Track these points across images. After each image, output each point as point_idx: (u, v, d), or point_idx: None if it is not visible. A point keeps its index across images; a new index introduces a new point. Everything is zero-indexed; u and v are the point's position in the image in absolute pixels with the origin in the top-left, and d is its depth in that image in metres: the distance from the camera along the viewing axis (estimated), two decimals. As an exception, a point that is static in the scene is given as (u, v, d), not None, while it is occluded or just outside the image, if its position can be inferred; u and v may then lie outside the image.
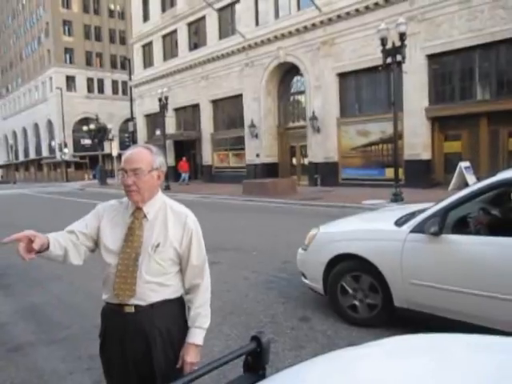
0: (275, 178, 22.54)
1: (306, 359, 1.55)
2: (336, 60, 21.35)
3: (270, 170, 25.01)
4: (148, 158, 1.96)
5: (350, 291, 4.39)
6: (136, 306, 1.94)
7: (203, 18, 29.53)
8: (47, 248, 1.83)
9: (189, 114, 32.26)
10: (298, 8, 23.18)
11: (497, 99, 16.64)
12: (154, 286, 1.95)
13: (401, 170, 17.07)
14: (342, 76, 21.58)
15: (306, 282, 4.89)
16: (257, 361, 1.61)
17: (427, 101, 18.35)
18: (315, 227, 4.97)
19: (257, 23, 25.56)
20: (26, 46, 62.95)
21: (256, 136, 25.72)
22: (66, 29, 55.40)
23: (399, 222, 4.23)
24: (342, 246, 4.43)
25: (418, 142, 18.55)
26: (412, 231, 3.94)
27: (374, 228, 4.56)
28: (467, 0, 16.74)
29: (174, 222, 1.99)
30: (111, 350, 2.01)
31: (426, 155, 18.59)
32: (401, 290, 4.01)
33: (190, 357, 1.99)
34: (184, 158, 29.72)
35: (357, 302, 4.36)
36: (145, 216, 1.98)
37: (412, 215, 4.26)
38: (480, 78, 17.27)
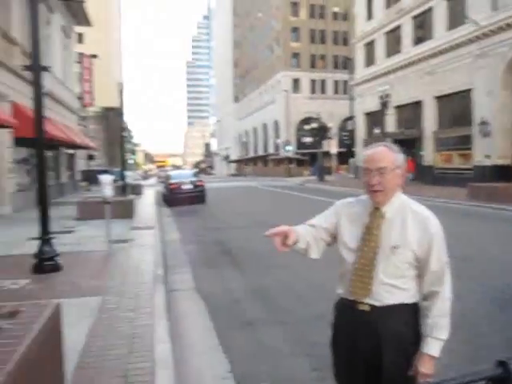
0: (508, 183, 19.82)
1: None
2: None
3: (503, 174, 22.05)
4: (391, 157, 1.94)
5: None
6: (371, 306, 1.94)
7: (430, 9, 27.85)
8: (295, 242, 2.00)
9: (410, 111, 30.89)
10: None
11: None
12: (390, 287, 1.93)
13: None
14: None
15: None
16: (500, 389, 1.45)
17: None
18: None
19: (494, 8, 22.78)
20: (260, 55, 70.02)
21: (487, 135, 23.04)
22: (294, 35, 59.46)
23: None
24: None
25: None
26: None
27: None
28: None
29: (413, 223, 1.92)
30: (342, 344, 2.05)
31: None
32: None
33: (425, 368, 1.91)
34: (410, 158, 28.49)
35: None
36: (383, 216, 1.96)
37: None
38: None
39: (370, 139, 34.44)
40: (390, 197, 1.96)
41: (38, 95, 6.38)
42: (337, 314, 2.12)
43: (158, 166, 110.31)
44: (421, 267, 1.95)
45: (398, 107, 31.25)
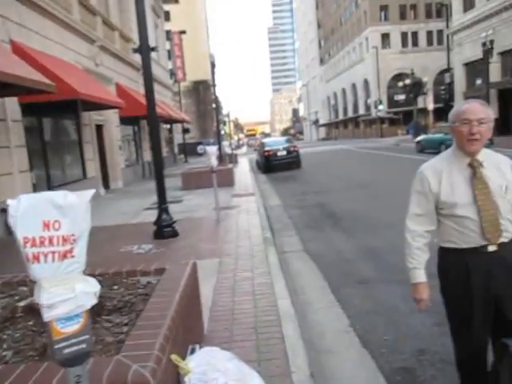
0: None
1: None
2: None
3: None
4: (488, 111, 2.15)
5: None
6: (498, 245, 2.15)
7: None
8: None
9: (518, 56, 28.05)
10: None
11: None
12: (509, 223, 2.17)
13: None
14: None
15: None
16: None
17: None
18: None
19: None
20: (345, 12, 67.13)
21: None
22: (382, -14, 56.01)
23: None
24: None
25: None
26: None
27: None
28: None
29: (505, 167, 2.20)
30: (475, 288, 2.19)
31: None
32: None
33: None
34: None
35: None
36: (482, 164, 2.16)
37: None
38: None
39: (471, 91, 31.96)
40: (481, 147, 2.17)
41: (148, 74, 6.82)
42: (462, 264, 2.23)
43: (247, 135, 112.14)
44: None
45: (504, 53, 28.42)
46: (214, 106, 23.61)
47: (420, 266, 2.33)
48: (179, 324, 2.49)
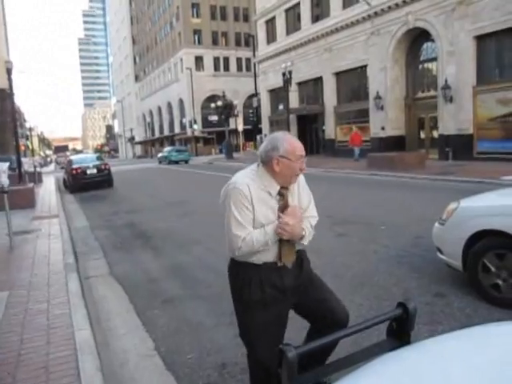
0: (402, 152, 21.57)
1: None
2: (473, 21, 19.36)
3: (396, 144, 23.93)
4: None
5: (493, 269, 4.13)
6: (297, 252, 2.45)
7: (326, -13, 28.85)
8: None
9: (311, 87, 32.10)
10: (431, -33, 21.40)
11: None
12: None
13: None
14: (481, 39, 19.53)
15: (442, 257, 4.71)
16: (402, 327, 1.66)
17: None
18: (455, 201, 4.73)
19: (384, -12, 24.23)
20: (160, 31, 67.72)
21: (381, 108, 24.72)
22: (195, 11, 58.24)
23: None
24: (485, 222, 4.16)
25: None
26: None
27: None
28: None
29: (301, 189, 2.47)
30: (275, 300, 2.35)
31: None
32: (554, 270, 3.67)
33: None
34: (355, 129, 26.14)
35: (500, 282, 4.10)
36: (288, 190, 2.39)
37: None
38: None
39: (275, 116, 35.33)
40: None
41: None
42: (256, 278, 2.34)
43: (56, 152, 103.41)
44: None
45: (300, 83, 32.26)
46: (14, 117, 21.00)
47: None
48: None
